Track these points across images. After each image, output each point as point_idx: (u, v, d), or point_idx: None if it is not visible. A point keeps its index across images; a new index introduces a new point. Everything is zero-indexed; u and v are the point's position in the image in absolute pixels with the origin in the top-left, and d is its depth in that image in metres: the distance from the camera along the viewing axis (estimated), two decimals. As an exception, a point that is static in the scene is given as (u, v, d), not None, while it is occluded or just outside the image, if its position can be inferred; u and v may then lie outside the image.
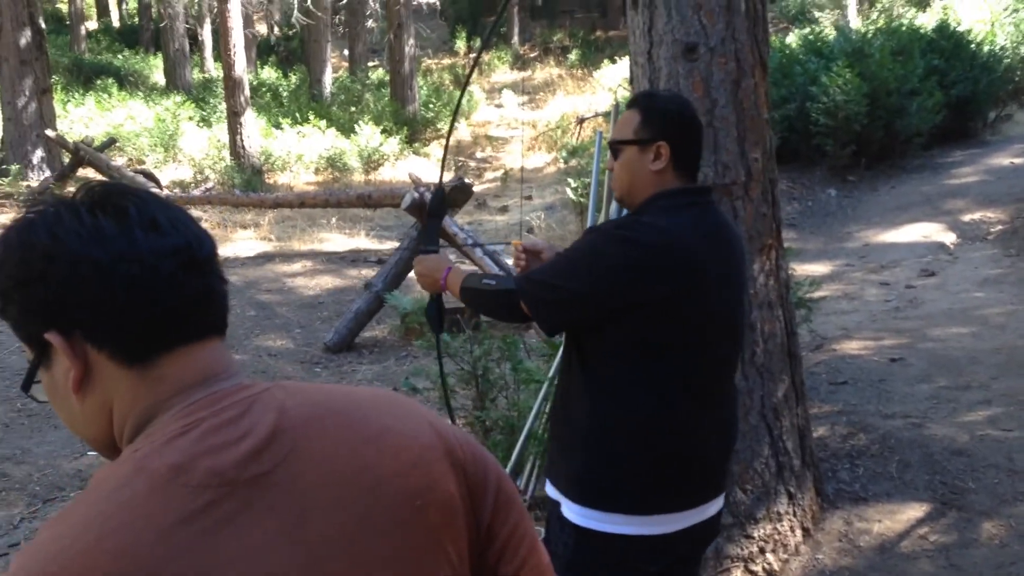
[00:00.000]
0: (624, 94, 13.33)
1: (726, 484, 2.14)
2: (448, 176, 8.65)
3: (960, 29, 13.17)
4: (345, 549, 0.87)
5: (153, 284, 0.88)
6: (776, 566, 3.44)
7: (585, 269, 1.99)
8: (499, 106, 20.89)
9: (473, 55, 24.86)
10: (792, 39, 14.17)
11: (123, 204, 0.90)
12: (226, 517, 0.82)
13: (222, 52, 13.85)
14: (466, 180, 7.49)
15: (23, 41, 12.49)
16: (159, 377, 0.90)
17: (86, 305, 0.88)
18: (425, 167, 14.99)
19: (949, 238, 9.42)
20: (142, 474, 0.83)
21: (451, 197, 6.96)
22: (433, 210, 2.36)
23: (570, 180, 10.90)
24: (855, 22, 16.82)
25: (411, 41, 18.61)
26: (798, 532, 3.56)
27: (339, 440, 0.90)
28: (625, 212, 4.10)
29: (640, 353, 1.99)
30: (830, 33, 13.90)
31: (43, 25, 13.12)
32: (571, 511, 2.05)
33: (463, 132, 18.20)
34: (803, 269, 7.71)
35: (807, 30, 14.37)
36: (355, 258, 10.15)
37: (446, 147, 2.69)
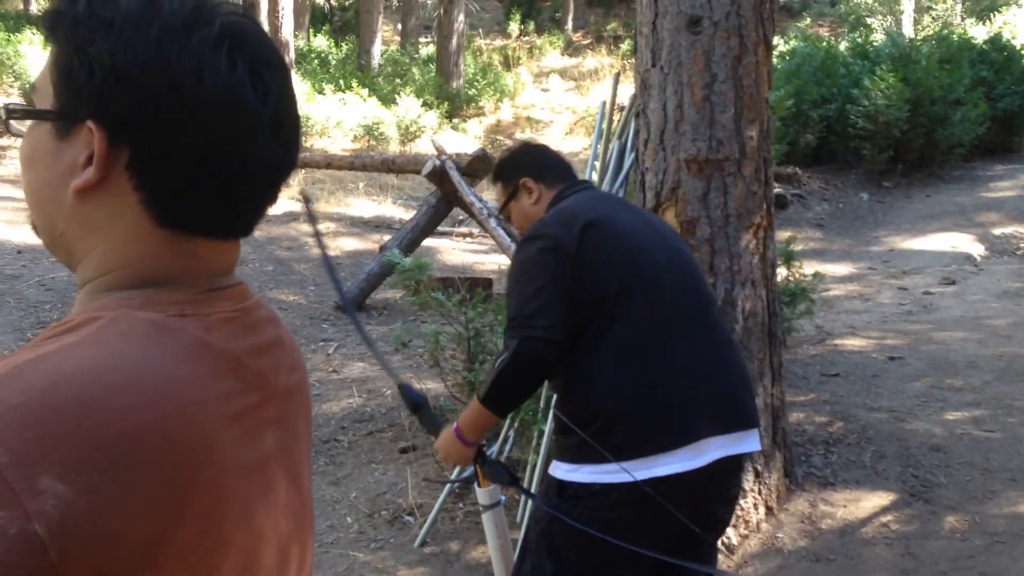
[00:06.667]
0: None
1: (701, 435, 2.03)
2: (475, 145, 8.59)
3: (1015, 43, 12.93)
4: (301, 471, 0.89)
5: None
6: (735, 541, 3.46)
7: (534, 274, 2.11)
8: (545, 90, 20.83)
9: (525, 38, 24.80)
10: (843, 46, 13.98)
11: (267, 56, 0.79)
12: (264, 421, 0.81)
13: (269, 13, 13.98)
14: (487, 150, 7.52)
15: None
16: (191, 251, 0.80)
17: (172, 135, 0.74)
18: (459, 141, 15.02)
19: (977, 250, 9.29)
20: (185, 337, 0.74)
21: (471, 167, 7.01)
22: (413, 405, 2.27)
23: (596, 164, 10.89)
24: (909, 30, 16.56)
25: (461, 17, 18.61)
26: (761, 510, 3.57)
27: (297, 360, 0.92)
28: (626, 170, 4.25)
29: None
30: (879, 38, 13.71)
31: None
32: (556, 469, 2.12)
33: (505, 112, 18.21)
34: (824, 268, 7.64)
35: (856, 33, 14.19)
36: (379, 224, 10.24)
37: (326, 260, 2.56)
